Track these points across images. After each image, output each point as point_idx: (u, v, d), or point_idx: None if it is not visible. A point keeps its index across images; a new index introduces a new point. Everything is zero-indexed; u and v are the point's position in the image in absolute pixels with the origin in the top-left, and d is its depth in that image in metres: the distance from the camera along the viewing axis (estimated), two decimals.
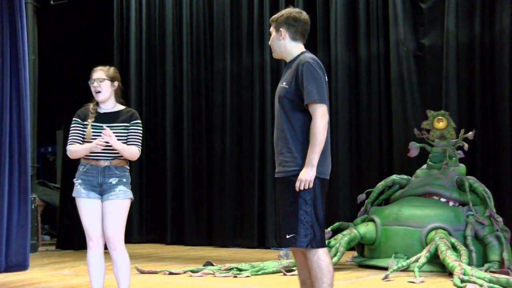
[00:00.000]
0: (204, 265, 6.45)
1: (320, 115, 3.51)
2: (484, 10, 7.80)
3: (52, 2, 9.95)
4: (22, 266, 6.68)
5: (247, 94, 9.36)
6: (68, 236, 9.03)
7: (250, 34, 9.35)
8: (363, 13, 8.53)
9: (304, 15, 3.79)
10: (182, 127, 9.87)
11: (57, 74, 10.53)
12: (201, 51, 9.86)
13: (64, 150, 9.14)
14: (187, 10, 9.95)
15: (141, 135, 4.21)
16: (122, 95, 4.35)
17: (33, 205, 8.19)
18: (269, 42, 3.87)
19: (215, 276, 5.99)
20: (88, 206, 4.13)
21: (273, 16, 3.83)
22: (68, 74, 9.34)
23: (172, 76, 10.07)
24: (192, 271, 6.18)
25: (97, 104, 4.24)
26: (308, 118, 3.56)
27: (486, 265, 5.85)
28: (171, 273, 6.17)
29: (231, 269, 6.18)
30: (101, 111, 4.22)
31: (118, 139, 4.09)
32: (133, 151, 4.12)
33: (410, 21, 8.26)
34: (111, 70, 4.27)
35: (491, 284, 5.04)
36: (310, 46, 8.17)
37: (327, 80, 3.66)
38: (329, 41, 8.71)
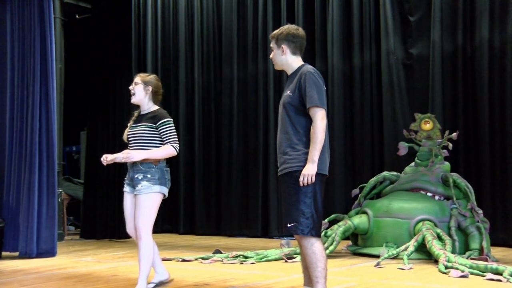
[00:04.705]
0: (213, 253, 6.46)
1: (320, 118, 3.56)
2: (466, 23, 7.81)
3: (77, 17, 10.01)
4: (50, 253, 6.74)
5: (252, 99, 9.37)
6: (91, 227, 9.05)
7: (255, 45, 9.37)
8: (357, 25, 8.54)
9: (301, 31, 3.81)
10: (194, 128, 9.89)
11: (81, 81, 10.57)
12: (211, 60, 9.89)
13: (87, 148, 9.28)
14: (198, 23, 9.98)
15: (171, 132, 4.19)
16: (161, 100, 4.40)
17: (59, 199, 8.22)
18: (270, 56, 3.88)
19: (224, 263, 6.00)
20: (124, 198, 4.29)
21: (273, 33, 3.84)
22: (91, 81, 9.38)
23: (184, 83, 10.10)
24: (203, 258, 6.19)
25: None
26: (309, 121, 3.61)
27: (467, 253, 5.84)
28: (183, 260, 6.18)
29: (237, 256, 6.19)
30: (140, 113, 4.33)
31: (142, 137, 4.15)
32: (165, 151, 4.14)
33: (399, 33, 8.27)
34: (149, 76, 4.35)
35: (471, 270, 5.05)
36: (309, 55, 8.34)
37: (325, 88, 3.70)
38: (326, 50, 8.73)
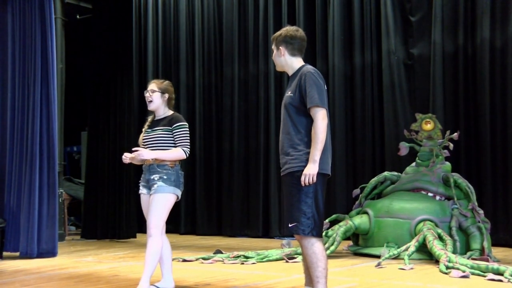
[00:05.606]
0: (214, 253, 6.47)
1: (321, 118, 3.57)
2: (467, 23, 7.82)
3: (78, 17, 10.02)
4: (51, 253, 6.75)
5: (253, 99, 9.38)
6: (92, 227, 9.04)
7: (256, 45, 9.38)
8: (358, 25, 8.55)
9: (300, 32, 3.82)
10: (195, 129, 9.89)
11: (82, 81, 10.57)
12: (212, 60, 9.89)
13: (88, 149, 9.29)
14: (199, 23, 9.98)
15: (184, 135, 4.27)
16: (174, 105, 4.48)
17: (60, 199, 8.21)
18: (272, 58, 3.92)
19: (224, 263, 6.01)
20: (141, 200, 4.38)
21: (274, 35, 3.88)
22: (92, 81, 9.38)
23: (185, 83, 10.10)
24: (204, 258, 6.20)
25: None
26: (311, 121, 3.62)
27: (468, 253, 5.84)
28: (184, 260, 6.18)
29: (238, 256, 6.19)
30: (155, 118, 4.40)
31: (159, 141, 4.24)
32: (175, 154, 4.22)
33: (400, 33, 8.28)
34: (164, 83, 4.42)
35: (472, 270, 5.05)
36: (310, 56, 8.35)
37: (326, 88, 3.72)
38: (327, 51, 8.73)
